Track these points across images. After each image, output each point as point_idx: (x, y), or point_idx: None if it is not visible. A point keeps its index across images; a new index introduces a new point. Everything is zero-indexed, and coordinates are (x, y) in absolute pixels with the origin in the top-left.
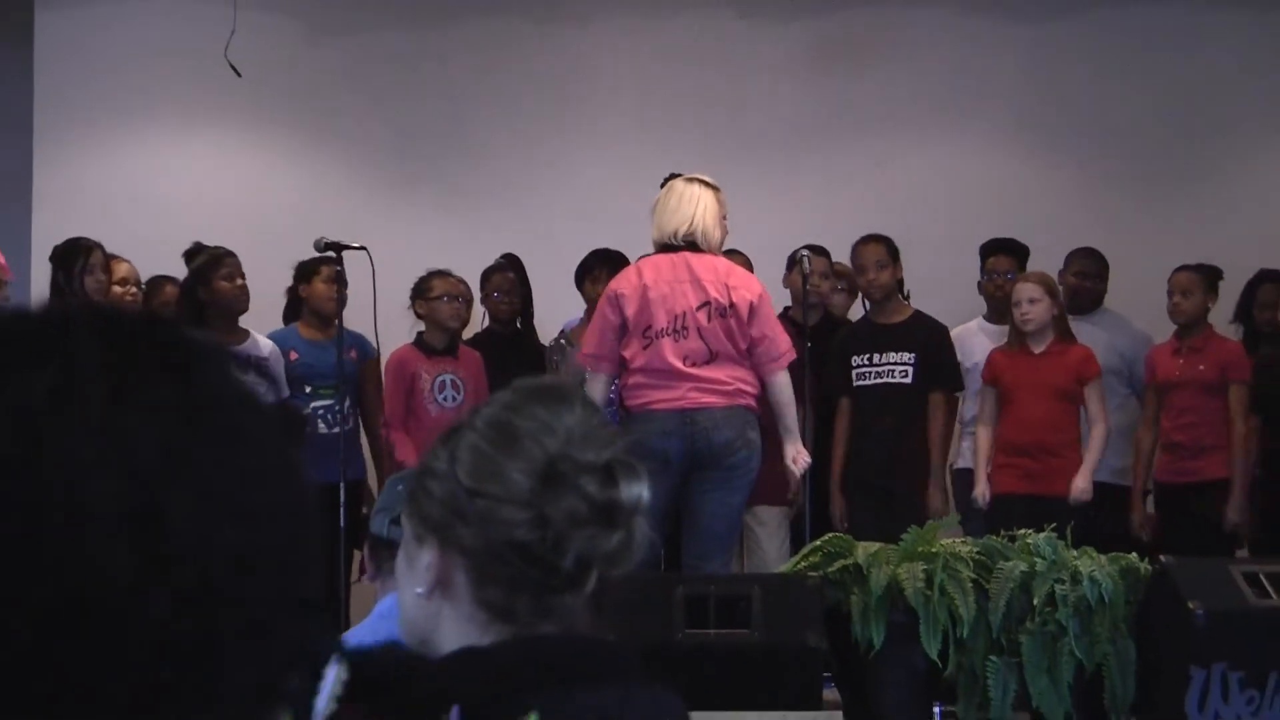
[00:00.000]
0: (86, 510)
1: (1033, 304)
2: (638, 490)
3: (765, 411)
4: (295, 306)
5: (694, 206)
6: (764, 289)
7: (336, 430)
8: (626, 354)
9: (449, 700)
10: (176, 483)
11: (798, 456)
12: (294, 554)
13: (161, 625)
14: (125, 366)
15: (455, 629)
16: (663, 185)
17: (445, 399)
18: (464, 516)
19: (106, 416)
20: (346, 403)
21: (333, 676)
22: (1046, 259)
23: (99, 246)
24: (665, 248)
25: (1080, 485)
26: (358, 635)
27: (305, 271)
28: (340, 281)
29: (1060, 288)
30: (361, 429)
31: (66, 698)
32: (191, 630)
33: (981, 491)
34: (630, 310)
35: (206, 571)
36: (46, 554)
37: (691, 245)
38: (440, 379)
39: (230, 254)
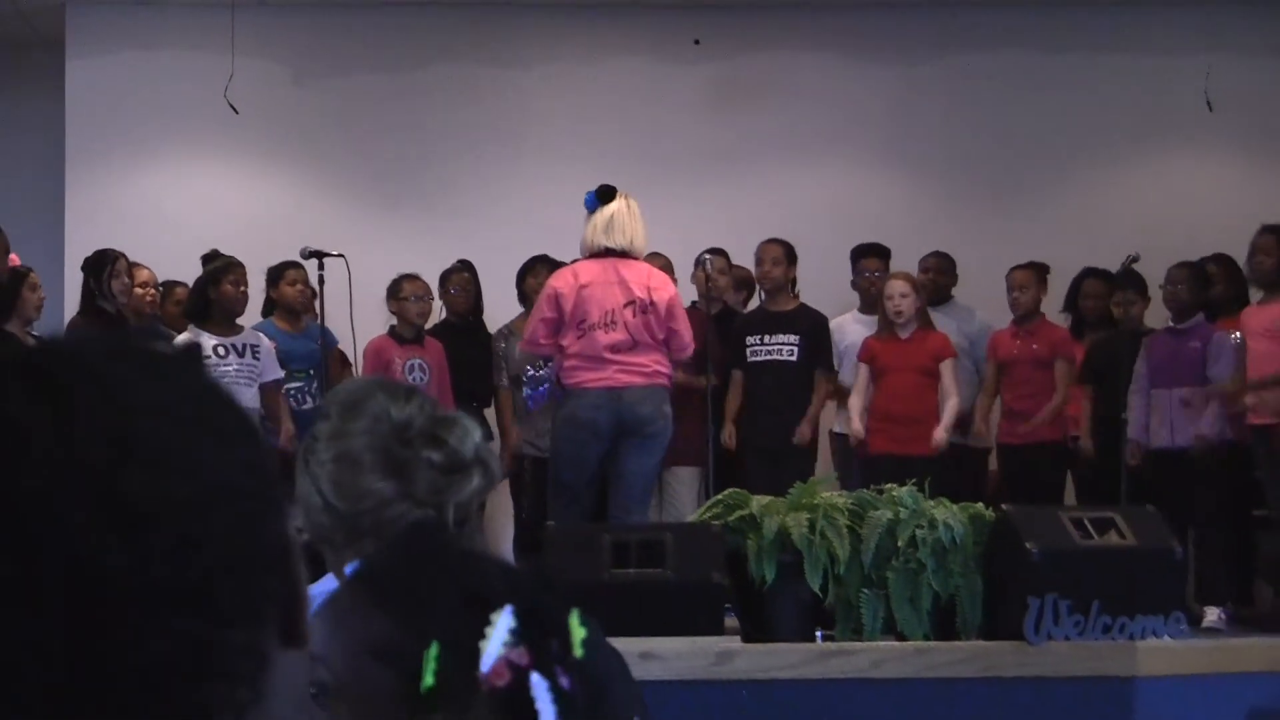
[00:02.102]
0: (64, 515)
1: (904, 298)
2: (465, 435)
3: (677, 390)
4: (269, 304)
5: (631, 225)
6: (677, 291)
7: (309, 406)
8: (564, 341)
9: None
10: (125, 467)
11: None
12: (250, 495)
13: (160, 585)
14: (57, 393)
15: None
16: (599, 193)
17: (415, 379)
18: (360, 531)
19: (53, 435)
20: (315, 384)
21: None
22: (906, 260)
23: (123, 256)
24: (601, 252)
25: (939, 437)
26: None
27: (273, 276)
28: (318, 283)
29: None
30: None
31: (99, 674)
32: (186, 579)
33: (857, 433)
34: (567, 306)
35: (179, 529)
36: (46, 561)
37: (624, 254)
38: (410, 363)
39: (240, 264)
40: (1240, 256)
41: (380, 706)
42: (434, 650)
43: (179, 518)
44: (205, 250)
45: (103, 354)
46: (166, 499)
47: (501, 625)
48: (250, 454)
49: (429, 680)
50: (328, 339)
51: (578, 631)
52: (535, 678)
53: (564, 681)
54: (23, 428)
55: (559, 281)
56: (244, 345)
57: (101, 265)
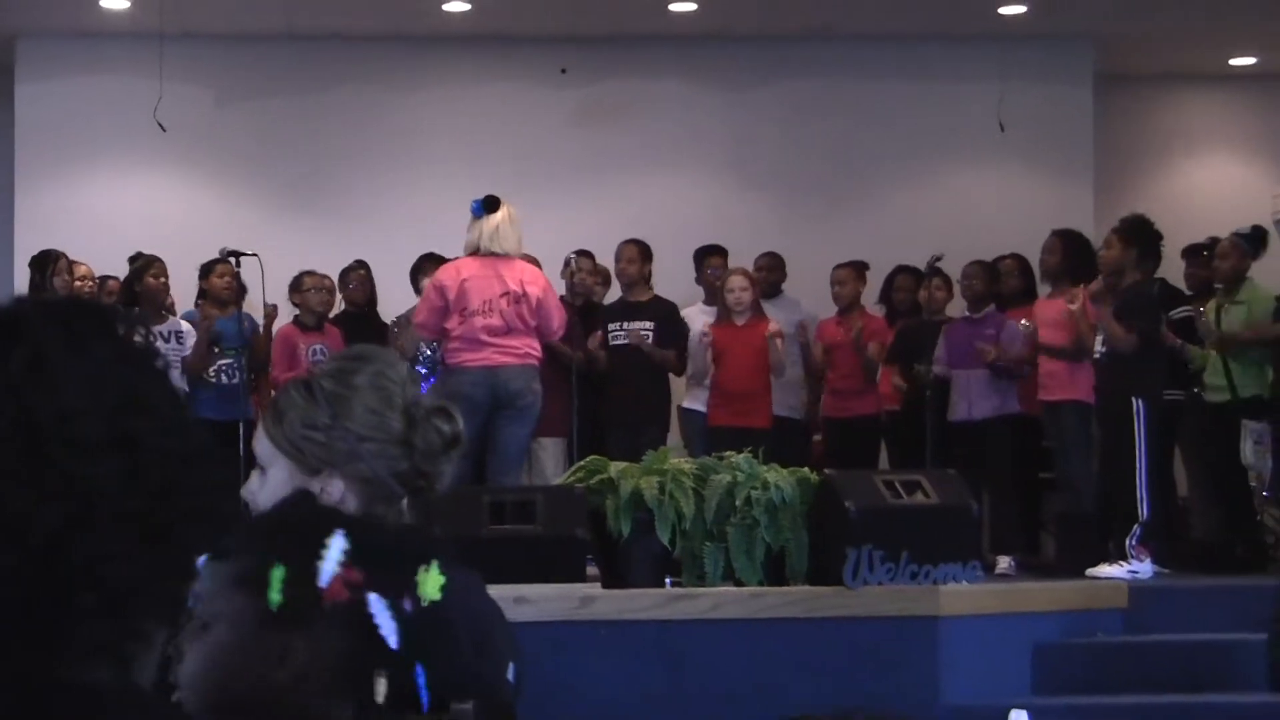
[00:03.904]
0: (81, 442)
1: (743, 290)
2: (459, 422)
3: (546, 370)
4: (201, 293)
5: (511, 233)
6: (548, 283)
7: (235, 381)
8: (448, 325)
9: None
10: (139, 412)
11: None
12: (207, 451)
13: (143, 514)
14: (77, 338)
15: None
16: (484, 202)
17: (318, 362)
18: (359, 456)
19: (76, 374)
20: (242, 359)
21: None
22: (743, 259)
23: (64, 255)
24: (485, 254)
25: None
26: None
27: (205, 271)
28: (237, 278)
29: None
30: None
31: (89, 581)
32: (163, 514)
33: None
34: (452, 295)
35: (169, 470)
36: (50, 480)
37: (505, 255)
38: (312, 348)
39: (159, 260)
40: (1032, 256)
41: (243, 627)
42: (279, 571)
43: (167, 464)
44: (138, 249)
45: (126, 321)
46: (162, 447)
47: (335, 546)
48: (176, 442)
49: (275, 598)
50: (252, 323)
51: (436, 578)
52: (373, 597)
53: (406, 605)
54: (49, 357)
55: (444, 274)
56: (170, 332)
57: (45, 263)
